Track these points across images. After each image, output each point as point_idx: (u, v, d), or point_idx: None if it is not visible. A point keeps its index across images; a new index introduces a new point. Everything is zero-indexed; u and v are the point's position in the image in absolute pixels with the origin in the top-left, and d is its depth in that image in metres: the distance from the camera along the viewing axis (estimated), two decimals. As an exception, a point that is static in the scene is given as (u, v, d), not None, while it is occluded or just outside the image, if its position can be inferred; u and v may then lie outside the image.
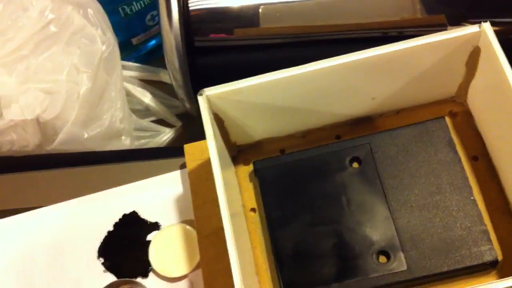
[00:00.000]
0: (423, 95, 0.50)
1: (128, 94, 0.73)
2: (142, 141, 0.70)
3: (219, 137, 0.46)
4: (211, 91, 0.44)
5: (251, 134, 0.50)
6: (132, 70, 0.76)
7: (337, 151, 0.48)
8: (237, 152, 0.50)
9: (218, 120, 0.46)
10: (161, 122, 0.74)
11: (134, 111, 0.72)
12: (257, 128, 0.49)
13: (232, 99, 0.45)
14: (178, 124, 0.73)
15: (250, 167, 0.49)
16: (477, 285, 0.37)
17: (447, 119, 0.48)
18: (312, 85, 0.46)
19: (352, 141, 0.48)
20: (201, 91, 0.44)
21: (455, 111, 0.50)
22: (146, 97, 0.73)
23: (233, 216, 0.42)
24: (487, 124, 0.47)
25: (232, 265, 0.38)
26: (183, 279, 0.49)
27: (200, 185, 0.49)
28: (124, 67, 0.75)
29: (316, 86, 0.46)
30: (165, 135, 0.71)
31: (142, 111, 0.74)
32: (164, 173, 0.53)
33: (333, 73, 0.45)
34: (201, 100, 0.44)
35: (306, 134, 0.51)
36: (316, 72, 0.44)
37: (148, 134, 0.71)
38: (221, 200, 0.40)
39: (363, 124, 0.51)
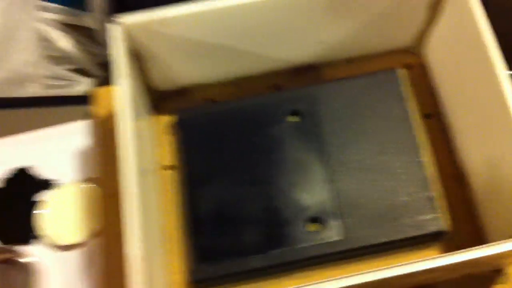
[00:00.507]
0: (376, 42, 0.44)
1: (44, 38, 0.64)
2: (56, 90, 0.61)
3: (135, 78, 0.39)
4: (128, 19, 0.36)
5: (176, 78, 0.42)
6: (52, 11, 0.67)
7: (274, 102, 0.41)
8: (157, 99, 0.43)
9: (136, 57, 0.38)
10: (81, 71, 0.65)
11: (49, 57, 0.64)
12: (184, 70, 0.42)
13: (155, 32, 0.37)
14: (100, 74, 0.64)
15: (172, 118, 0.42)
16: (416, 260, 0.30)
17: (401, 71, 0.42)
18: (251, 20, 0.39)
19: (292, 92, 0.42)
20: (114, 18, 0.36)
21: (411, 63, 0.44)
22: (65, 42, 0.64)
23: (142, 173, 0.35)
24: (444, 79, 0.42)
25: (128, 230, 0.31)
26: (80, 247, 0.41)
27: (109, 137, 0.42)
28: (42, 8, 0.66)
29: (255, 22, 0.39)
30: (83, 85, 0.62)
31: (59, 58, 0.65)
32: (66, 122, 0.45)
33: (275, 7, 0.38)
34: (114, 29, 0.36)
35: (241, 82, 0.44)
36: (256, 4, 0.37)
37: (63, 83, 0.62)
38: (124, 152, 0.33)
39: (307, 73, 0.44)
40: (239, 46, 0.41)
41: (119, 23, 0.36)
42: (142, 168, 0.37)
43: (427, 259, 0.30)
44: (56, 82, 0.62)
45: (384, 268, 0.30)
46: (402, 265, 0.29)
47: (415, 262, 0.30)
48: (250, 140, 0.40)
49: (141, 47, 0.38)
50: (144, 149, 0.39)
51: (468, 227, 0.38)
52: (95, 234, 0.41)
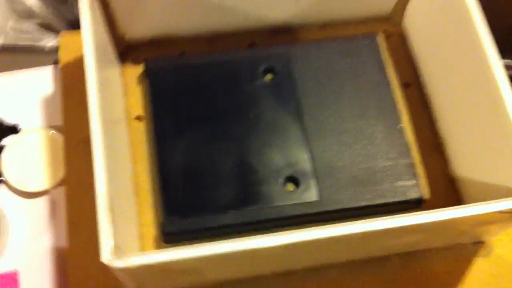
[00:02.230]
0: (354, 8, 0.42)
1: (9, -9, 0.61)
2: (20, 43, 0.58)
3: (101, 23, 0.36)
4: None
5: (145, 27, 0.40)
6: (17, -35, 0.64)
7: (248, 58, 0.39)
8: (125, 48, 0.41)
9: (103, 0, 0.36)
10: (47, 27, 0.62)
11: (16, 11, 0.60)
12: (154, 19, 0.39)
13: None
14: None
15: (141, 68, 0.40)
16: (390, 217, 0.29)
17: (380, 37, 0.41)
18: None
19: (267, 49, 0.40)
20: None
21: (389, 31, 0.43)
22: (31, -3, 0.61)
23: (110, 123, 0.33)
24: (423, 48, 0.41)
25: (97, 179, 0.28)
26: (43, 195, 0.38)
27: (75, 83, 0.39)
28: (7, -40, 0.62)
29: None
30: (50, 41, 0.59)
31: (25, 12, 0.61)
32: (32, 67, 0.42)
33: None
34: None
35: (214, 38, 0.42)
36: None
37: (28, 36, 0.59)
38: (92, 100, 0.30)
39: (282, 35, 0.42)
40: (215, -1, 0.39)
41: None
42: (111, 117, 0.35)
43: (402, 216, 0.29)
44: (21, 35, 0.59)
45: (356, 223, 0.28)
46: (375, 221, 0.28)
47: (389, 218, 0.28)
48: (222, 96, 0.38)
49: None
50: (113, 98, 0.37)
51: (447, 196, 0.37)
52: (59, 183, 0.39)
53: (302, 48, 0.40)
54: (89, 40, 0.32)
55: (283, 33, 0.42)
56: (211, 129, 0.37)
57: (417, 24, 0.41)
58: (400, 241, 0.33)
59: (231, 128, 0.37)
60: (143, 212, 0.36)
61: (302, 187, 0.35)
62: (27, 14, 0.62)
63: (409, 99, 0.41)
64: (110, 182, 0.29)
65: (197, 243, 0.34)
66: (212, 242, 0.27)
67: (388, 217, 0.29)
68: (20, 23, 0.59)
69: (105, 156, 0.29)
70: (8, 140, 0.40)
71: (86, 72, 0.31)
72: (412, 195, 0.36)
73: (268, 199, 0.35)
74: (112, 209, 0.28)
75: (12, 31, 0.57)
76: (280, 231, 0.34)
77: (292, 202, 0.35)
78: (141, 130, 0.38)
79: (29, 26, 0.60)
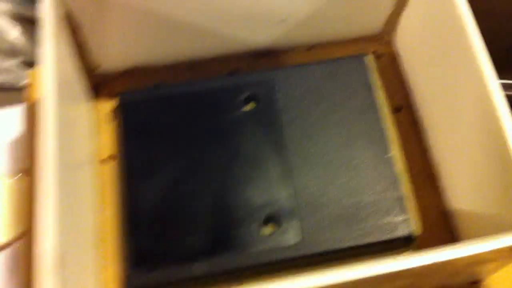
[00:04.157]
0: (342, 28, 0.40)
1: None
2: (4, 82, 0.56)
3: (70, 54, 0.34)
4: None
5: (122, 57, 0.38)
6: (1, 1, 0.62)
7: (228, 86, 0.37)
8: (100, 81, 0.38)
9: (73, 26, 0.34)
10: (31, 65, 0.60)
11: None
12: (131, 47, 0.37)
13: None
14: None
15: (115, 102, 0.37)
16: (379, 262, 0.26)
17: (369, 58, 0.38)
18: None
19: (248, 76, 0.37)
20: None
21: (380, 52, 0.41)
22: (14, 34, 0.59)
23: (71, 168, 0.30)
24: (416, 68, 0.38)
25: (41, 233, 0.25)
26: (6, 248, 0.36)
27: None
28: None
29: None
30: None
31: (8, 51, 0.60)
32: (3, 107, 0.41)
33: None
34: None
35: (195, 66, 0.40)
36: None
37: (11, 76, 0.58)
38: (47, 145, 0.27)
39: (266, 59, 0.40)
40: (195, 23, 0.36)
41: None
42: (73, 160, 0.32)
43: (392, 260, 0.26)
44: (3, 75, 0.57)
45: (342, 270, 0.25)
46: (365, 266, 0.25)
47: (378, 263, 0.26)
48: (200, 128, 0.35)
49: (77, 13, 0.33)
50: (78, 139, 0.34)
51: (439, 231, 0.35)
52: (22, 234, 0.36)
53: (286, 73, 0.37)
54: (51, 75, 0.29)
55: (268, 57, 0.40)
56: (186, 167, 0.34)
57: (409, 42, 0.39)
58: (390, 286, 0.30)
59: (208, 165, 0.34)
60: (108, 266, 0.33)
61: (281, 228, 0.33)
62: (8, 53, 0.60)
63: (400, 124, 0.38)
64: (62, 236, 0.26)
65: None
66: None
67: (376, 262, 0.26)
68: (4, 61, 0.58)
69: (56, 208, 0.26)
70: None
71: (43, 113, 0.28)
72: (402, 232, 0.33)
73: (244, 244, 0.32)
74: (63, 267, 0.25)
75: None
76: (259, 279, 0.32)
77: (270, 247, 0.32)
78: (109, 173, 0.36)
79: (12, 65, 0.59)
